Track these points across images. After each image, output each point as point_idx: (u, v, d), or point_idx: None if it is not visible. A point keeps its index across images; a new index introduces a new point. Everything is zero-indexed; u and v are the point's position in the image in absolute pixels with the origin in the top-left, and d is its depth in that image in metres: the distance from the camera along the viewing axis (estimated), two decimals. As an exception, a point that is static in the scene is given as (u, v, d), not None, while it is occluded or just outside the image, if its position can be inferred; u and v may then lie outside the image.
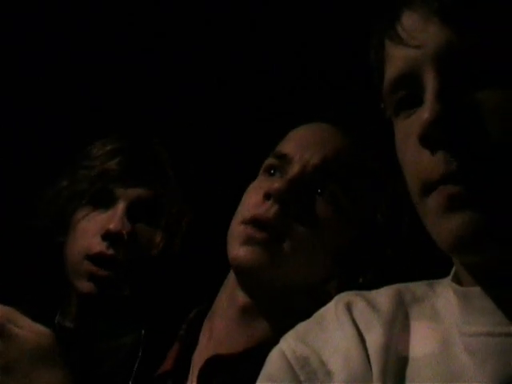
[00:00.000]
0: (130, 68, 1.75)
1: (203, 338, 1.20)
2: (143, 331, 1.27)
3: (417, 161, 0.77)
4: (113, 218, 1.41)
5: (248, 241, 1.14)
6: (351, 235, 1.19)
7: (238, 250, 1.14)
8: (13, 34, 1.75)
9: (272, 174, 1.21)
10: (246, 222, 1.16)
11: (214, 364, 1.13)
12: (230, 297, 1.18)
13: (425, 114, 0.74)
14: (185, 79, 1.72)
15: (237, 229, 1.17)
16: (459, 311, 0.81)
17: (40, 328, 0.90)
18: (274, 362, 0.87)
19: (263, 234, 1.14)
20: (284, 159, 1.20)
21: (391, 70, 0.80)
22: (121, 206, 1.42)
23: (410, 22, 0.78)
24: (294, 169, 1.18)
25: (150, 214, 1.43)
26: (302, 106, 1.49)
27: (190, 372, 1.17)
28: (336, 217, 1.17)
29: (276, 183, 1.16)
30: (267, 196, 1.16)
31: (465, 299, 0.81)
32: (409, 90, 0.78)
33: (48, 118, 1.74)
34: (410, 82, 0.78)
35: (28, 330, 0.88)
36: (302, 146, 1.20)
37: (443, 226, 0.75)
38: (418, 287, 0.89)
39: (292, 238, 1.14)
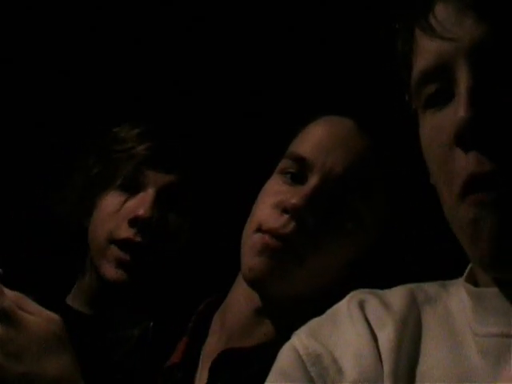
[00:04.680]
0: (149, 57, 1.74)
1: (214, 331, 1.20)
2: (151, 323, 1.26)
3: (447, 159, 0.76)
4: (142, 203, 1.39)
5: (264, 250, 1.11)
6: (368, 245, 1.15)
7: (253, 261, 1.11)
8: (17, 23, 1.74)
9: (290, 178, 1.15)
10: (262, 231, 1.12)
11: (226, 357, 1.12)
12: (246, 295, 1.15)
13: (460, 111, 0.73)
14: (198, 69, 1.71)
15: (252, 237, 1.13)
16: (472, 311, 0.81)
17: (49, 314, 0.89)
18: (285, 357, 0.87)
19: (280, 244, 1.10)
20: (303, 163, 1.15)
21: (422, 63, 0.79)
22: (150, 192, 1.40)
23: (444, 14, 0.77)
24: (314, 179, 1.12)
25: (179, 202, 1.41)
26: (316, 99, 1.45)
27: (199, 364, 1.17)
28: (355, 229, 1.13)
29: (294, 198, 1.11)
30: (285, 210, 1.11)
31: (478, 300, 0.81)
32: (440, 83, 0.77)
33: (70, 104, 1.73)
34: (441, 75, 0.77)
35: (38, 315, 0.88)
36: (322, 149, 1.14)
37: (474, 241, 0.74)
38: (430, 287, 0.89)
39: (309, 251, 1.11)
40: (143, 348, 1.23)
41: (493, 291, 0.79)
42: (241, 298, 1.17)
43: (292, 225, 1.10)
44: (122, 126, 1.48)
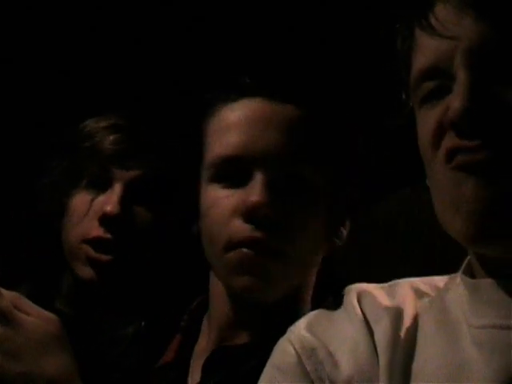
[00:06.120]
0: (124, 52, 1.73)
1: (206, 329, 1.19)
2: (143, 323, 1.26)
3: (438, 142, 0.77)
4: (109, 200, 1.36)
5: (246, 265, 1.06)
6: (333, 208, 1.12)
7: (242, 280, 1.06)
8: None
9: (227, 182, 1.08)
10: (234, 248, 1.06)
11: (219, 355, 1.11)
12: (227, 297, 1.13)
13: (455, 102, 0.74)
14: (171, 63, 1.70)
15: (225, 257, 1.07)
16: (468, 303, 0.82)
17: (47, 314, 0.90)
18: (281, 351, 0.88)
19: (256, 250, 1.06)
20: (238, 164, 1.07)
21: (421, 61, 0.80)
22: (118, 188, 1.36)
23: (443, 12, 0.77)
24: (259, 174, 1.06)
25: (149, 195, 1.38)
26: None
27: (192, 363, 1.16)
28: (316, 199, 1.10)
29: (248, 200, 1.04)
30: (246, 217, 1.05)
31: (474, 291, 0.81)
32: (438, 81, 0.78)
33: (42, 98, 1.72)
34: (440, 73, 0.78)
35: (35, 315, 0.89)
36: (250, 139, 1.07)
37: (456, 211, 0.75)
38: (427, 281, 0.90)
39: (286, 243, 1.07)
40: (136, 348, 1.23)
41: (489, 282, 0.79)
42: (222, 300, 1.14)
43: (261, 227, 1.05)
44: (86, 121, 1.44)
